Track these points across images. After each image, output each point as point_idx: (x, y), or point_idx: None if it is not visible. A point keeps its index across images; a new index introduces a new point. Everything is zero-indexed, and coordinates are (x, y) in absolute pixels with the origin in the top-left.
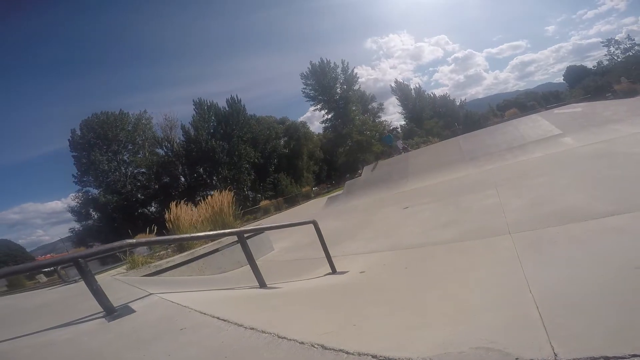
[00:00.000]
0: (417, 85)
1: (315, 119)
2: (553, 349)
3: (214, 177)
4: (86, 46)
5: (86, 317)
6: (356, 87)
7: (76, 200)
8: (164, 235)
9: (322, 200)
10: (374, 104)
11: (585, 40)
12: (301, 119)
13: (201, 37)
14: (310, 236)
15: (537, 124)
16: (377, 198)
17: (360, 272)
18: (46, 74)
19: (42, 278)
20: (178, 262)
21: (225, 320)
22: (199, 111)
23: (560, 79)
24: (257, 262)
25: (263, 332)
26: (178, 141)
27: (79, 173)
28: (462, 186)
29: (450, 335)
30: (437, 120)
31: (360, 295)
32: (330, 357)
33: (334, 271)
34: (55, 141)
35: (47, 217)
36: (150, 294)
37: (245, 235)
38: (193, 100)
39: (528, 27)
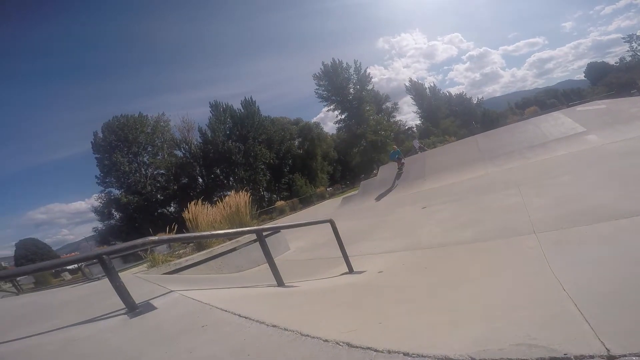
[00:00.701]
0: (432, 84)
1: (328, 120)
2: (604, 344)
3: (231, 178)
4: (107, 51)
5: (109, 313)
6: (369, 87)
7: (99, 200)
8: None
9: (336, 201)
10: (388, 104)
11: (605, 37)
12: (314, 119)
13: (215, 41)
14: (326, 236)
15: (559, 121)
16: (394, 198)
17: (379, 272)
18: (70, 79)
19: (67, 276)
20: (197, 260)
21: (246, 318)
22: (215, 113)
23: (581, 76)
24: (275, 262)
25: (285, 329)
26: (196, 143)
27: (101, 174)
28: (482, 185)
29: (484, 333)
30: (453, 119)
31: (381, 294)
32: (357, 355)
33: (351, 271)
34: (80, 144)
35: (72, 217)
36: (171, 291)
37: (265, 234)
38: (209, 103)
39: (544, 24)
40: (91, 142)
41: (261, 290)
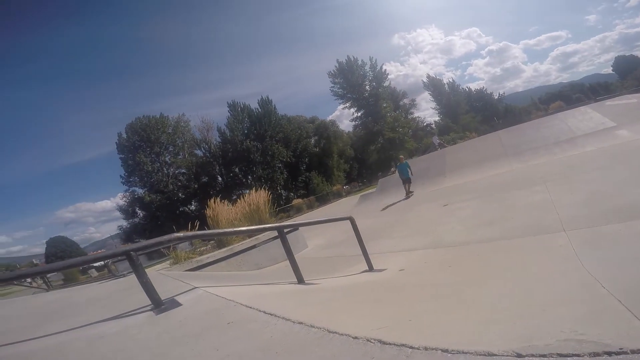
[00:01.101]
0: (451, 80)
1: (344, 117)
2: None
3: (249, 177)
4: (128, 54)
5: (135, 310)
6: (386, 83)
7: (124, 199)
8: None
9: (353, 199)
10: (406, 100)
11: (632, 29)
12: (330, 117)
13: (229, 42)
14: (343, 234)
15: (587, 116)
16: (413, 195)
17: (400, 270)
18: (95, 81)
19: (94, 273)
20: (218, 257)
21: (272, 315)
22: (233, 113)
23: (609, 70)
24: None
25: (312, 326)
26: (215, 142)
27: (126, 174)
28: (506, 182)
29: (525, 329)
30: (473, 115)
31: (406, 292)
32: (391, 352)
33: (371, 269)
34: (105, 144)
35: (98, 215)
36: (195, 287)
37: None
38: (227, 103)
39: (566, 17)
40: (115, 142)
41: (283, 287)
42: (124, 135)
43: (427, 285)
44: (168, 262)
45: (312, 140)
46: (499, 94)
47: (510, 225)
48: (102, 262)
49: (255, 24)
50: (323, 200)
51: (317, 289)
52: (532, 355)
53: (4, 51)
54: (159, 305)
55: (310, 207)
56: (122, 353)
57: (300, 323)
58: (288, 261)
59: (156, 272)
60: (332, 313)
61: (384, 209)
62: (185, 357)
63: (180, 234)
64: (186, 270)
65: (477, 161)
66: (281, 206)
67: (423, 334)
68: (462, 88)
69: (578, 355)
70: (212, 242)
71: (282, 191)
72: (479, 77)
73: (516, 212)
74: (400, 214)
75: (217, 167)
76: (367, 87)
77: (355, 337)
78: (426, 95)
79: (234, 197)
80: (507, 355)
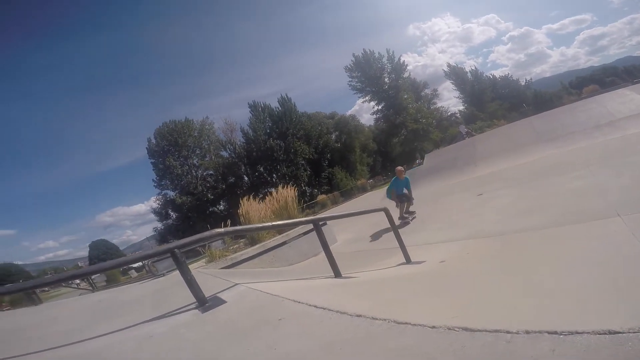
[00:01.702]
0: (473, 68)
1: (363, 111)
2: None
3: (274, 175)
4: (152, 63)
5: (179, 309)
6: (405, 75)
7: (157, 202)
8: None
9: (379, 193)
10: (427, 91)
11: None
12: (350, 112)
13: (245, 44)
14: (373, 227)
15: (627, 98)
16: (442, 186)
17: (440, 262)
18: (123, 90)
19: (133, 273)
20: (251, 254)
21: (324, 309)
22: (255, 113)
23: None
24: (323, 255)
25: (374, 318)
26: (239, 143)
27: (157, 177)
28: (543, 168)
29: (628, 311)
30: (500, 102)
31: (459, 282)
32: (485, 339)
33: (408, 261)
34: (138, 150)
35: (134, 218)
36: (236, 284)
37: (311, 227)
38: (248, 103)
39: (587, 0)
40: (146, 148)
41: (323, 281)
42: (153, 141)
43: (479, 274)
44: (203, 260)
45: (333, 136)
46: (526, 80)
47: (555, 213)
48: (141, 263)
49: (267, 25)
50: (348, 195)
51: (358, 282)
52: None
53: (47, 66)
54: (203, 302)
55: (335, 203)
56: (174, 353)
57: (359, 316)
58: (318, 257)
59: (194, 270)
60: (390, 305)
61: (414, 201)
62: (242, 358)
63: (221, 230)
64: (221, 268)
65: (509, 148)
66: (306, 203)
67: (512, 319)
68: (486, 75)
69: None
70: (244, 239)
71: (306, 188)
72: (503, 63)
73: (559, 198)
74: (431, 206)
75: (243, 167)
76: (386, 79)
77: (433, 327)
78: (448, 84)
79: (260, 195)
80: (634, 332)
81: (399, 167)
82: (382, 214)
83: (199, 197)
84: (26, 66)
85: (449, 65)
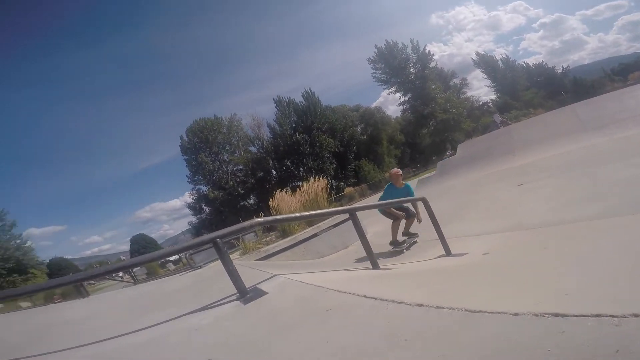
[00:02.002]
0: (504, 56)
1: (389, 103)
2: None
3: (300, 168)
4: (180, 62)
5: (220, 300)
6: (432, 64)
7: (191, 197)
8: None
9: (410, 184)
10: (456, 80)
11: None
12: (374, 104)
13: (265, 40)
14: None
15: None
16: (478, 176)
17: (484, 254)
18: (157, 88)
19: (171, 266)
20: (283, 247)
21: (376, 298)
22: (280, 108)
23: None
24: (353, 248)
25: (439, 307)
26: (266, 138)
27: (190, 174)
28: (590, 157)
29: None
30: (536, 91)
31: (515, 273)
32: (588, 324)
33: (448, 253)
34: (173, 148)
35: (170, 213)
36: (275, 275)
37: (340, 220)
38: (273, 99)
39: None
40: (179, 145)
41: (362, 272)
42: (186, 138)
43: (533, 265)
44: (237, 252)
45: (359, 128)
46: (563, 68)
47: (610, 203)
48: (178, 256)
49: (287, 21)
50: (375, 187)
51: (399, 273)
52: None
53: (88, 70)
54: (244, 294)
55: (363, 195)
56: (223, 348)
57: (421, 305)
58: (348, 250)
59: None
60: (447, 294)
61: (448, 192)
62: (294, 353)
63: (261, 219)
64: (255, 260)
65: (550, 137)
66: (333, 196)
67: (611, 305)
68: (518, 64)
69: None
70: (275, 232)
71: (332, 181)
72: (535, 51)
73: (614, 187)
74: (468, 196)
75: (271, 162)
76: (411, 69)
77: (516, 314)
78: (478, 73)
79: (288, 188)
80: None
81: (395, 170)
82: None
83: (230, 192)
84: (74, 68)
85: (477, 54)
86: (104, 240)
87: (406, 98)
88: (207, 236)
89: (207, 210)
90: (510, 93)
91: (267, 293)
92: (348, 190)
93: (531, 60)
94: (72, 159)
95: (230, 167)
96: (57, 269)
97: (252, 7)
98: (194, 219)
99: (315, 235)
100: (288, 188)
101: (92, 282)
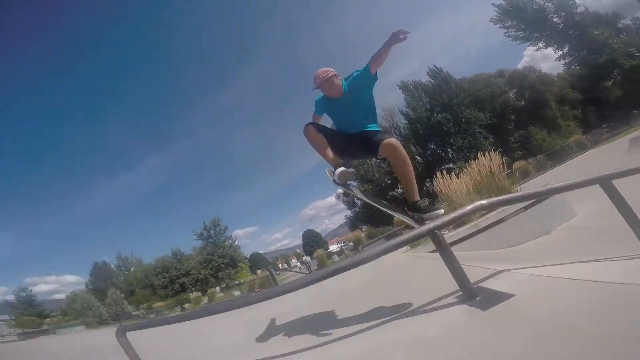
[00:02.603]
0: None
1: (538, 61)
2: None
3: (448, 150)
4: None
5: (439, 302)
6: (579, 9)
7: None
8: None
9: (606, 148)
10: (625, 21)
11: None
12: (519, 65)
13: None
14: (628, 192)
15: None
16: None
17: None
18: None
19: (335, 258)
20: (463, 235)
21: None
22: (407, 92)
23: None
24: (557, 233)
25: None
26: (402, 125)
27: None
28: None
29: None
30: None
31: None
32: None
33: None
34: None
35: (328, 209)
36: (504, 270)
37: (534, 200)
38: (397, 85)
39: None
40: None
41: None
42: None
43: None
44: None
45: (511, 94)
46: None
47: None
48: (339, 248)
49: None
50: (556, 157)
51: None
52: None
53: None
54: (472, 297)
55: (542, 169)
56: None
57: None
58: (551, 235)
59: (404, 255)
60: None
61: None
62: None
63: (485, 202)
64: (430, 252)
65: None
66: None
67: None
68: None
69: None
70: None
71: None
72: None
73: None
74: None
75: (413, 148)
76: (553, 19)
77: None
78: None
79: (437, 172)
80: None
81: (319, 71)
82: None
83: (377, 183)
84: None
85: None
86: (283, 237)
87: (564, 51)
88: (424, 228)
89: (359, 203)
90: None
91: (512, 295)
92: (518, 164)
93: None
94: (260, 172)
95: (374, 159)
96: (255, 261)
97: None
98: (349, 213)
99: (502, 220)
100: (442, 171)
101: (277, 272)
